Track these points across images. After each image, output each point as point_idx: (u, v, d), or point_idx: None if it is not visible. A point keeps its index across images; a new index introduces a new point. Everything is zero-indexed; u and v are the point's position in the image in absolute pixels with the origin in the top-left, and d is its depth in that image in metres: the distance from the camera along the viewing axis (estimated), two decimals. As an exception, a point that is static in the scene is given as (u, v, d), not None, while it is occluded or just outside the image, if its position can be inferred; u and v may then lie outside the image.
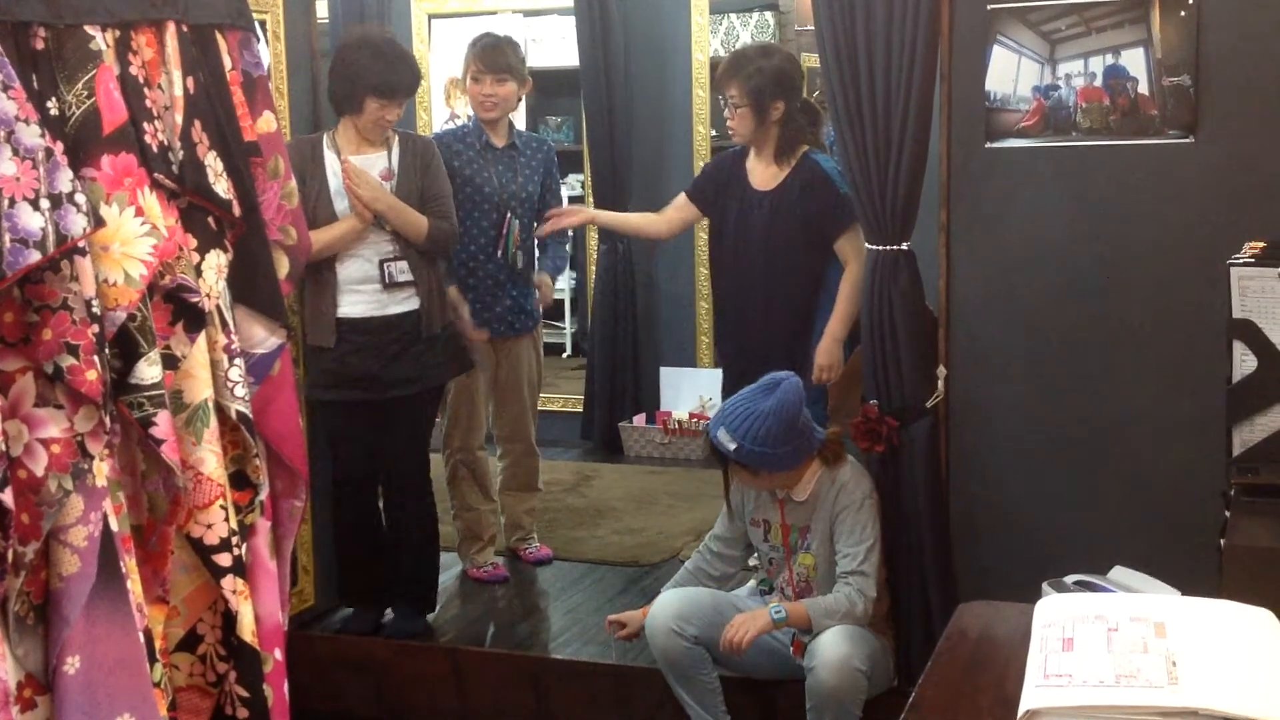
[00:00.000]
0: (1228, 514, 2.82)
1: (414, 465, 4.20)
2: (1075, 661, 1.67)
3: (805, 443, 3.43)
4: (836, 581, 3.45)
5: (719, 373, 6.43)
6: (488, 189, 4.56)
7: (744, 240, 4.25)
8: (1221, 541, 2.72)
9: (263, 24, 4.00)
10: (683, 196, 4.47)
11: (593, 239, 6.78)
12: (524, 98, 4.98)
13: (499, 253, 4.58)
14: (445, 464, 4.72)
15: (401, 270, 4.00)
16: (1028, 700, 1.61)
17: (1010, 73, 3.57)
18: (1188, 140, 3.41)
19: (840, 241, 4.10)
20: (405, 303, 4.02)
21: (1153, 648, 1.67)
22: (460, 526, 4.76)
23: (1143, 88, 3.45)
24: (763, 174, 4.21)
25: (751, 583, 3.77)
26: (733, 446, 3.37)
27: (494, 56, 4.56)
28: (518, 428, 4.80)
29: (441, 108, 7.23)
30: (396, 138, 4.12)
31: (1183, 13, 3.37)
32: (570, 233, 5.29)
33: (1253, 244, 2.89)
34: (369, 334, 3.98)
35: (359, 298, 3.99)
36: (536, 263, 4.80)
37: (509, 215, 4.57)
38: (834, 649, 3.34)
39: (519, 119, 7.24)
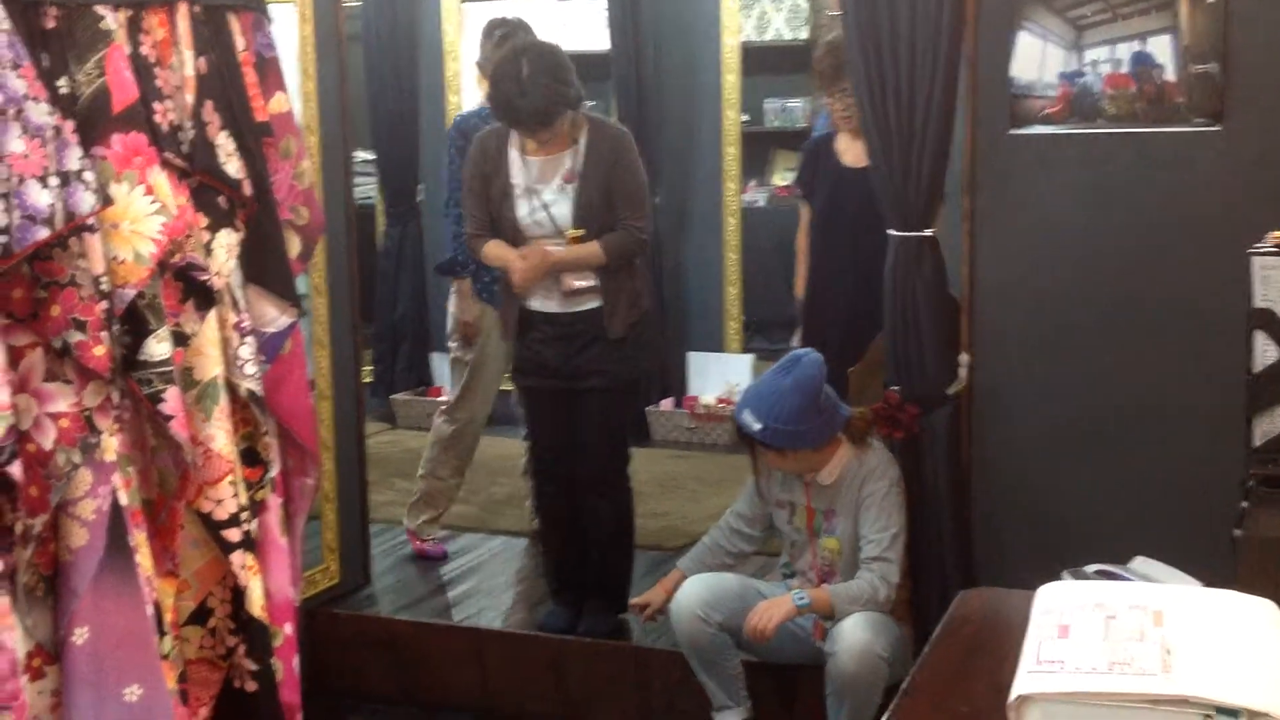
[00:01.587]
0: (1245, 504, 2.80)
1: (607, 458, 4.09)
2: (1070, 648, 1.65)
3: (830, 419, 3.43)
4: (860, 567, 3.44)
5: (748, 358, 6.49)
6: None
7: (836, 217, 4.38)
8: (1236, 532, 2.70)
9: (291, 7, 4.02)
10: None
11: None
12: None
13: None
14: (436, 426, 4.78)
15: (580, 277, 3.92)
16: (1019, 686, 1.60)
17: (1036, 59, 3.54)
18: (1214, 129, 3.37)
19: None
20: (588, 302, 3.94)
21: (1149, 636, 1.66)
22: (421, 489, 4.81)
23: (1169, 75, 3.42)
24: (856, 152, 4.24)
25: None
26: (758, 427, 3.37)
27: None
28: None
29: (474, 92, 7.23)
30: (586, 128, 3.93)
31: (1210, 0, 3.34)
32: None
33: (1275, 233, 2.87)
34: (554, 326, 3.95)
35: (543, 293, 3.95)
36: None
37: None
38: (856, 635, 3.34)
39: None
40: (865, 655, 3.30)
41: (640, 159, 3.99)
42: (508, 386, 4.68)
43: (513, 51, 3.85)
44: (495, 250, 3.92)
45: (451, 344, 4.78)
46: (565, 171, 3.89)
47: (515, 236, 3.92)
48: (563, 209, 3.88)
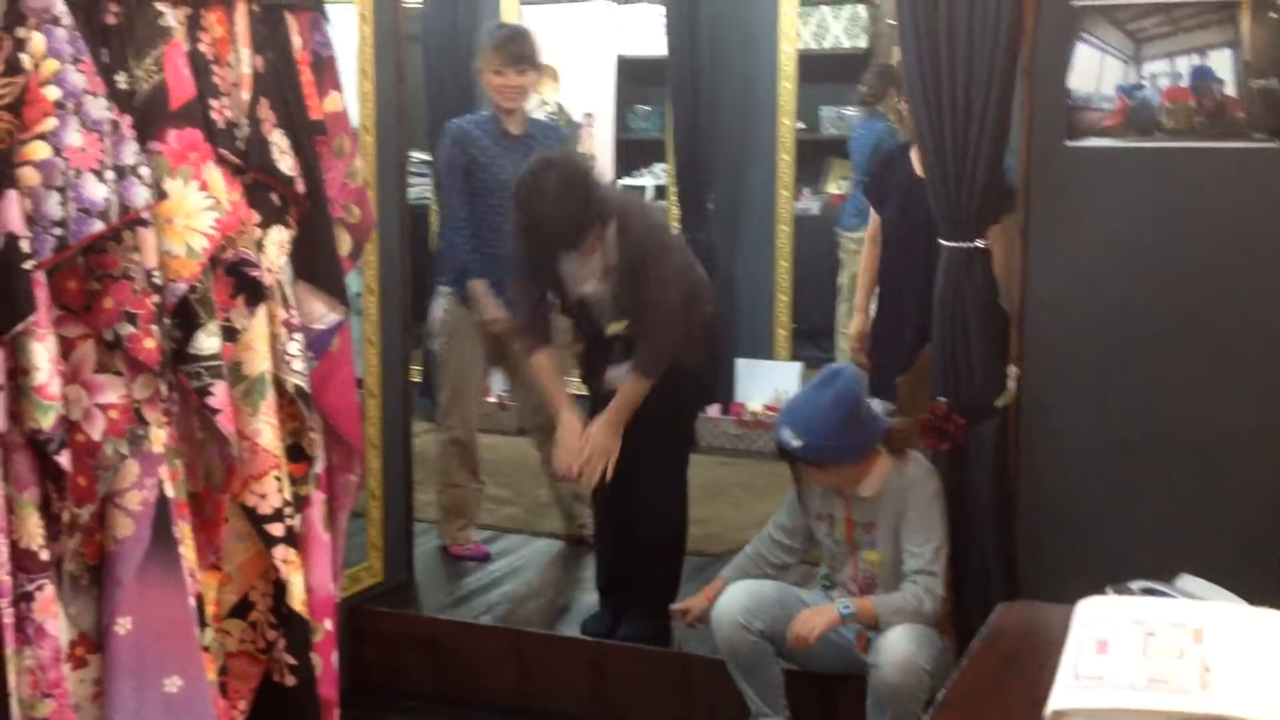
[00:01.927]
0: (1294, 526, 2.76)
1: (662, 466, 4.06)
2: (1108, 664, 1.64)
3: (870, 432, 3.41)
4: (903, 580, 3.42)
5: (795, 365, 6.48)
6: (503, 176, 4.57)
7: (907, 227, 4.39)
8: (1284, 553, 2.67)
9: (351, 6, 4.04)
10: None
11: (673, 228, 6.77)
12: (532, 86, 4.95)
13: None
14: (442, 436, 4.79)
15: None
16: (1055, 700, 1.59)
17: (1094, 71, 3.51)
18: (1274, 144, 3.33)
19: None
20: None
21: (1188, 653, 1.64)
22: (445, 502, 4.83)
23: (1229, 90, 3.37)
24: None
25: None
26: (798, 444, 3.36)
27: (514, 48, 4.60)
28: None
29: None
30: (613, 223, 3.79)
31: (1273, 14, 3.29)
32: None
33: (1333, 250, 2.83)
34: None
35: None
36: None
37: None
38: (900, 647, 3.32)
39: (608, 104, 7.30)
40: (909, 667, 3.28)
41: (667, 243, 3.93)
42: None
43: (533, 173, 3.74)
44: (548, 382, 3.95)
45: (439, 345, 4.77)
46: (601, 268, 3.84)
47: (570, 311, 4.01)
48: (605, 301, 3.89)
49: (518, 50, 4.61)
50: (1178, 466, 3.47)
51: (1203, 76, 3.40)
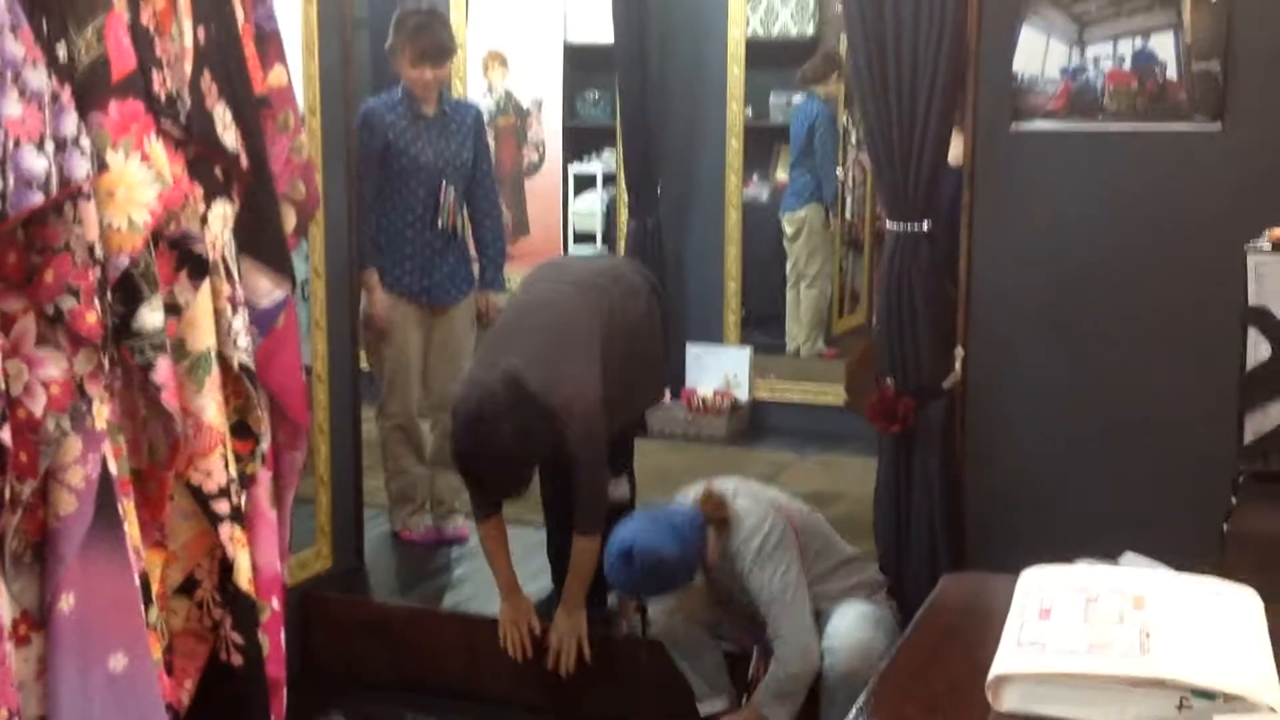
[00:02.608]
0: (1235, 500, 2.80)
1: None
2: (1051, 630, 1.66)
3: (694, 540, 3.39)
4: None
5: (745, 351, 6.50)
6: (422, 159, 4.57)
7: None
8: (1225, 526, 2.71)
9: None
10: None
11: (623, 214, 6.78)
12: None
13: (437, 221, 4.60)
14: (380, 428, 4.77)
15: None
16: (998, 666, 1.60)
17: (1039, 53, 3.55)
18: (1215, 127, 3.38)
19: None
20: None
21: (1129, 619, 1.66)
22: (394, 489, 4.82)
23: (1171, 73, 3.42)
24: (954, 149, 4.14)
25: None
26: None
27: (429, 42, 4.54)
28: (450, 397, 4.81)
29: (477, 80, 7.25)
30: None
31: (1213, -2, 3.34)
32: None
33: (1273, 230, 2.87)
34: None
35: None
36: (477, 278, 4.83)
37: (443, 182, 4.59)
38: (854, 635, 3.34)
39: (555, 91, 7.29)
40: (866, 653, 3.30)
41: (587, 396, 3.71)
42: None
43: (467, 421, 3.60)
44: (494, 555, 3.93)
45: (365, 334, 4.70)
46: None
47: None
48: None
49: (433, 45, 4.54)
50: (1122, 444, 3.52)
51: (1145, 59, 3.45)
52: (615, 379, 3.74)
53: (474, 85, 7.17)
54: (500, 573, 3.92)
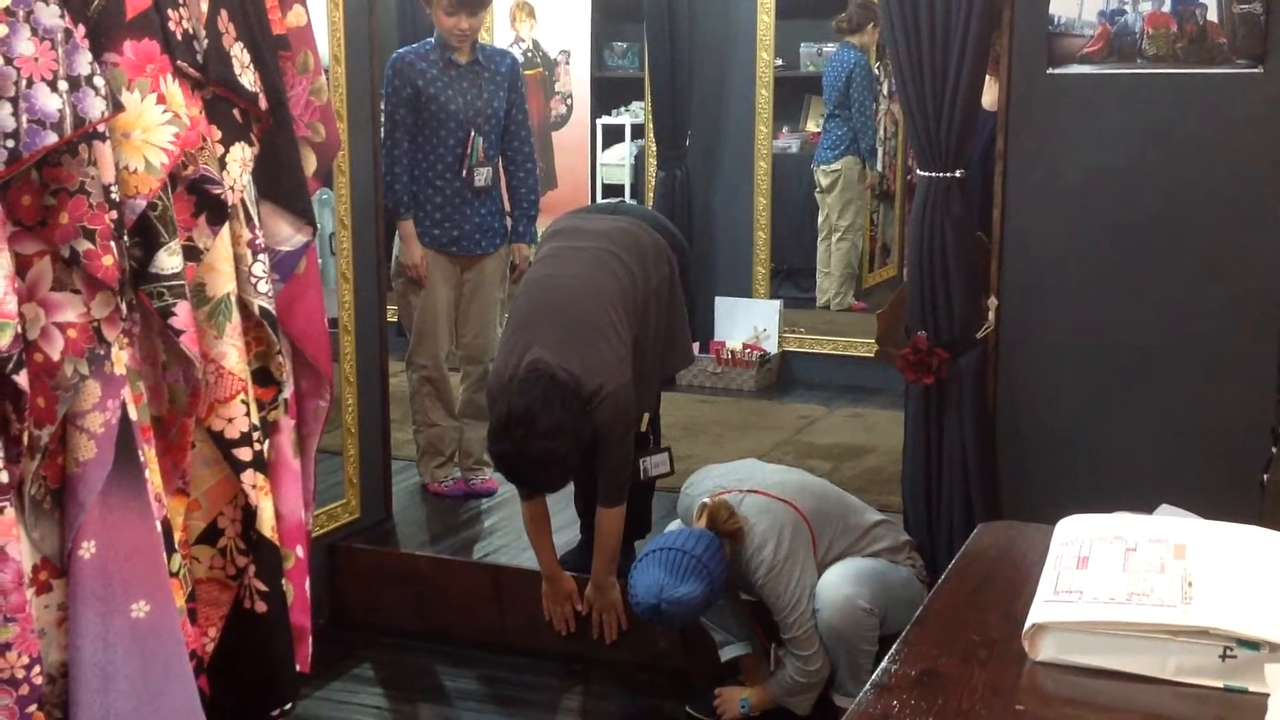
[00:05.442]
0: (1274, 450, 2.75)
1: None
2: (1088, 579, 1.62)
3: (717, 568, 3.31)
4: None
5: (775, 304, 6.44)
6: (453, 106, 4.51)
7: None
8: (1265, 477, 2.65)
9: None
10: None
11: (651, 166, 6.71)
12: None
13: (464, 171, 4.55)
14: (409, 380, 4.73)
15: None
16: (1035, 615, 1.57)
17: (1076, -4, 3.46)
18: (1256, 70, 3.29)
19: None
20: None
21: (1170, 568, 1.61)
22: (422, 441, 4.79)
23: (1212, 15, 3.33)
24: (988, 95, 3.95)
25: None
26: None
27: None
28: (480, 349, 4.76)
29: (506, 31, 7.18)
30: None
31: (1256, -64, 3.25)
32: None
33: (1316, 174, 2.80)
34: None
35: None
36: (509, 231, 4.77)
37: (472, 133, 4.53)
38: (837, 590, 3.32)
39: (584, 41, 7.21)
40: (847, 608, 3.29)
41: (622, 404, 3.62)
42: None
43: (501, 423, 3.50)
44: (535, 538, 3.87)
45: (396, 284, 4.68)
46: None
47: None
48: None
49: None
50: (1158, 392, 3.45)
51: (1184, 2, 3.36)
52: (641, 353, 3.70)
53: (501, 36, 7.09)
54: (543, 554, 3.89)
